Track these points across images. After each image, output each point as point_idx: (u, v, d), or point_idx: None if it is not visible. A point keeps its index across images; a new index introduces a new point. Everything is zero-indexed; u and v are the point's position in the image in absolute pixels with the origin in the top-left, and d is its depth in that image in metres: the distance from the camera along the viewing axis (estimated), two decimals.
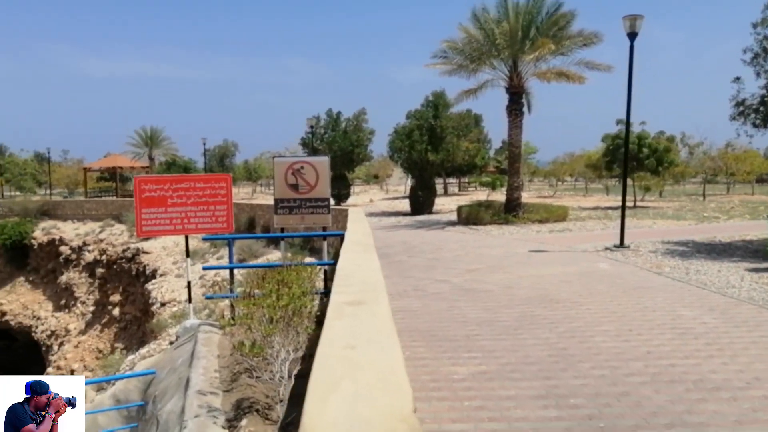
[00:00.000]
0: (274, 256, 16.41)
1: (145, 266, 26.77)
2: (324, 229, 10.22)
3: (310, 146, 39.23)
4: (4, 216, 43.76)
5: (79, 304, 34.10)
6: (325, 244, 10.14)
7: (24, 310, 38.47)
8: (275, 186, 10.10)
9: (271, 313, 5.44)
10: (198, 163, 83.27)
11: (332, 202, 40.07)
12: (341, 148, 38.48)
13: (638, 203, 33.32)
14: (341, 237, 9.14)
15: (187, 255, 9.47)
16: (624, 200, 15.14)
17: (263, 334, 5.31)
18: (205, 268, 9.42)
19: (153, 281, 20.96)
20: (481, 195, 51.21)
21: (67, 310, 35.12)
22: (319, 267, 8.34)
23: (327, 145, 39.30)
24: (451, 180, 66.06)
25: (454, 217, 26.64)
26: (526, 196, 49.59)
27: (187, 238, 9.45)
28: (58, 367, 28.83)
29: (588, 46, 22.69)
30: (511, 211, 22.78)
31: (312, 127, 37.10)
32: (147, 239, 30.71)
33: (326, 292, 7.95)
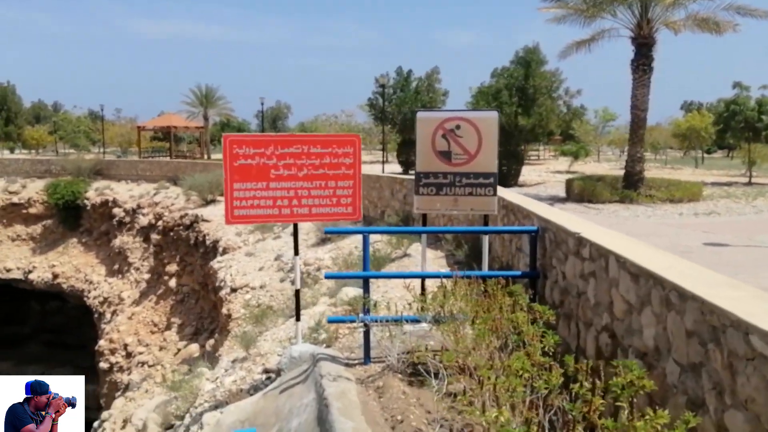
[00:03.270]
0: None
1: (204, 236, 24.26)
2: (486, 219, 7.12)
3: (379, 107, 36.01)
4: (57, 174, 42.29)
5: (133, 271, 32.14)
6: (486, 240, 7.01)
7: (76, 273, 36.97)
8: (417, 153, 7.00)
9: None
10: (251, 124, 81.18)
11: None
12: (412, 110, 35.04)
13: (754, 179, 28.97)
14: (533, 234, 6.01)
15: (296, 252, 6.51)
16: None
17: None
18: (328, 276, 6.41)
19: (219, 259, 18.26)
20: (558, 165, 47.30)
21: (120, 276, 33.27)
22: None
23: (396, 106, 36.01)
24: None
25: (553, 191, 23.20)
26: (608, 168, 45.50)
27: (296, 227, 6.47)
28: (111, 340, 26.90)
29: None
30: (631, 186, 19.21)
31: (383, 86, 33.77)
32: (206, 204, 28.30)
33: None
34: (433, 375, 4.41)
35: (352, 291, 8.36)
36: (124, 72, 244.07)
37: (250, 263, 15.58)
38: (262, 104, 50.52)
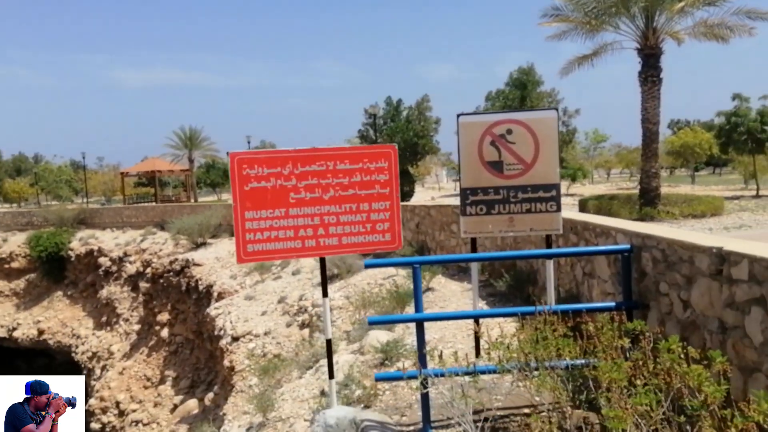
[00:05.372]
0: (377, 271, 12.14)
1: (197, 280, 22.87)
2: (548, 239, 5.95)
3: (369, 139, 35.09)
4: (39, 226, 40.80)
5: (122, 322, 30.51)
6: (550, 267, 5.79)
7: (63, 328, 35.21)
8: (462, 166, 5.86)
9: None
10: None
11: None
12: (404, 139, 34.15)
13: (760, 192, 28.14)
14: (626, 255, 4.81)
15: (325, 293, 5.28)
16: None
17: None
18: (372, 322, 5.18)
19: (216, 305, 16.85)
20: None
21: (109, 328, 31.60)
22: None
23: (388, 136, 35.09)
24: None
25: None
26: (604, 189, 44.64)
27: (323, 263, 5.25)
28: (102, 398, 25.16)
29: None
30: (649, 203, 18.18)
31: (373, 116, 32.88)
32: (196, 247, 26.94)
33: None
34: None
35: (384, 335, 7.11)
36: (105, 120, 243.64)
37: (251, 307, 14.23)
38: (248, 143, 49.55)
